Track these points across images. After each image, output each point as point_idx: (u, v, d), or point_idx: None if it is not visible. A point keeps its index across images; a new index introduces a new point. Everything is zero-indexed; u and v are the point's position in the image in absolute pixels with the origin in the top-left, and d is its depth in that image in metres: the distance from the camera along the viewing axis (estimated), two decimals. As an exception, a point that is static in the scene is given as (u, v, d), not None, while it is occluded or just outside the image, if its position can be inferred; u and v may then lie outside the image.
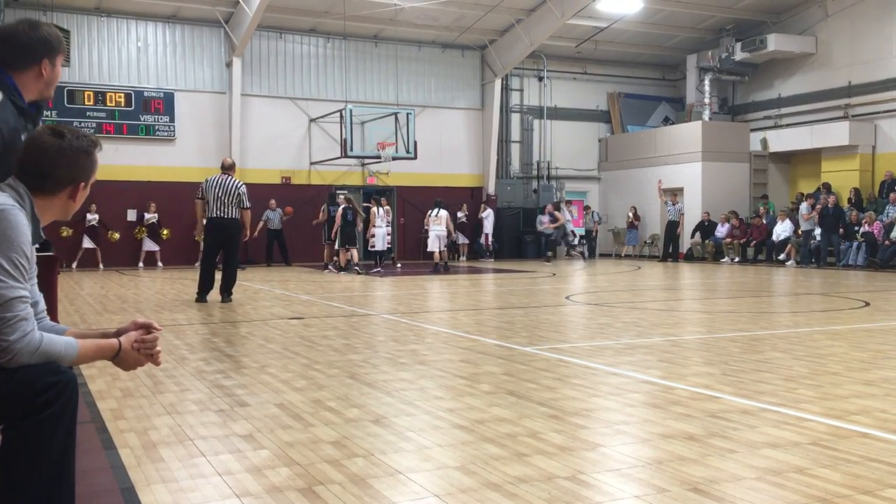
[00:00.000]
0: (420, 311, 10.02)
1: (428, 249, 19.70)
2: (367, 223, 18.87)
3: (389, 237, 19.87)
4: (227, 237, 11.03)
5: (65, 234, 19.55)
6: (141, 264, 20.93)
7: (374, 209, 18.75)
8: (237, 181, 11.16)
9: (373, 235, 18.87)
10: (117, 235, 20.63)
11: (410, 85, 24.48)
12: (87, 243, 20.20)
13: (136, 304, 11.27)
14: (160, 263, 21.07)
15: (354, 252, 18.46)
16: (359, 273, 17.81)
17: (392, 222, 20.78)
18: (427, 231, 19.72)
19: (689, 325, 8.85)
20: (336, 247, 18.45)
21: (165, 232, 21.06)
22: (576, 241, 25.48)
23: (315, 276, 17.50)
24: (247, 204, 11.09)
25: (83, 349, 2.43)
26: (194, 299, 11.17)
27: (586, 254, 25.46)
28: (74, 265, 20.00)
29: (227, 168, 11.19)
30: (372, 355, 6.48)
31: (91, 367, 5.62)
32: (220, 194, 10.89)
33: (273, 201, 21.95)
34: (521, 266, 20.80)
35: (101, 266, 20.25)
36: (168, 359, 6.21)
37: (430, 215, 19.49)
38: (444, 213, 19.22)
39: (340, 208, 18.21)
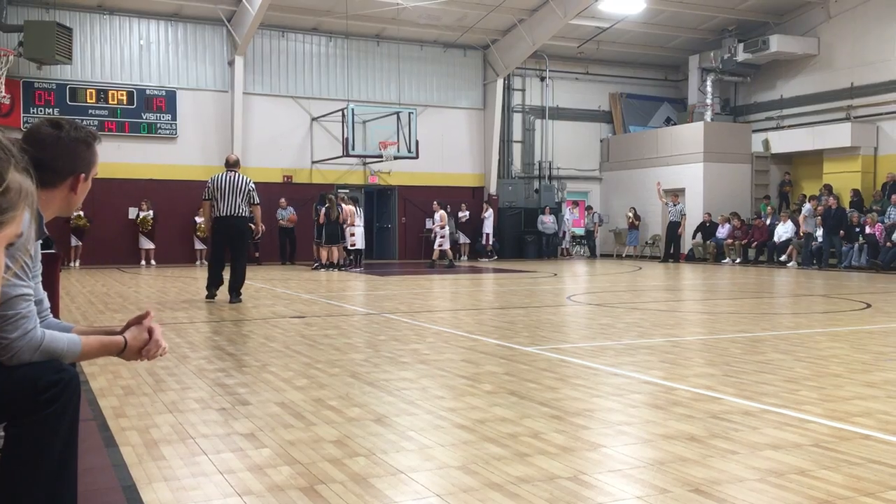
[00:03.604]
0: (421, 311, 10.02)
1: (446, 248, 20.22)
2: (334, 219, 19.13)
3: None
4: (235, 236, 10.88)
5: (82, 222, 19.88)
6: (143, 262, 20.96)
7: (352, 207, 19.04)
8: (246, 178, 11.04)
9: (353, 234, 19.12)
10: (85, 222, 20.31)
11: (412, 84, 24.48)
12: (74, 241, 20.20)
13: (137, 302, 11.27)
14: (153, 262, 21.06)
15: (335, 250, 18.76)
16: (339, 270, 18.31)
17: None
18: (439, 231, 20.23)
19: (690, 325, 8.85)
20: (324, 244, 19.04)
21: (148, 222, 20.93)
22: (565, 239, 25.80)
23: (308, 273, 17.52)
24: (257, 200, 10.98)
25: (87, 346, 2.43)
26: (205, 297, 11.11)
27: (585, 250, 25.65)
28: (77, 263, 20.04)
29: (233, 164, 10.98)
30: (373, 354, 6.47)
31: (92, 364, 5.63)
32: (229, 192, 10.68)
33: (283, 200, 21.98)
34: (523, 266, 20.81)
35: (76, 263, 20.11)
36: (170, 357, 6.21)
37: (442, 216, 20.05)
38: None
39: (324, 208, 18.65)
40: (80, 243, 20.33)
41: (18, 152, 1.61)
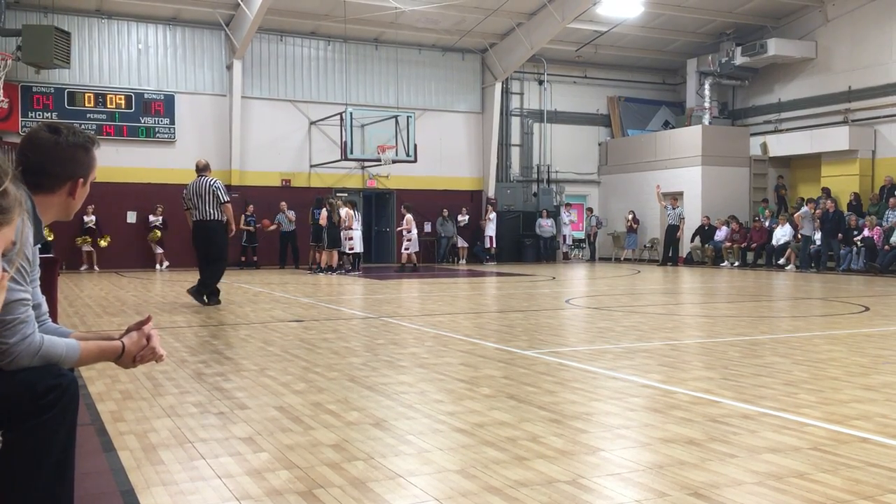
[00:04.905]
0: (420, 315, 10.02)
1: (414, 251, 20.51)
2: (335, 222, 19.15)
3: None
4: (208, 237, 10.98)
5: (103, 243, 20.24)
6: (157, 265, 20.96)
7: (350, 211, 19.07)
8: (211, 179, 11.15)
9: (350, 238, 19.14)
10: (104, 242, 20.52)
11: (411, 88, 24.49)
12: (86, 246, 20.25)
13: (135, 306, 11.26)
14: (159, 266, 21.04)
15: (335, 254, 18.82)
16: (341, 274, 18.42)
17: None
18: (409, 233, 20.45)
19: (689, 329, 8.85)
20: (325, 248, 19.11)
21: (155, 234, 20.93)
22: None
23: (307, 277, 17.52)
24: (224, 199, 11.02)
25: (85, 351, 2.43)
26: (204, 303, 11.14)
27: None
28: (96, 267, 20.27)
29: (202, 169, 11.15)
30: (371, 358, 6.47)
31: (91, 369, 5.62)
32: (198, 197, 10.88)
33: (284, 203, 21.94)
34: (521, 269, 20.81)
35: (96, 268, 20.26)
36: (168, 361, 6.19)
37: (408, 220, 20.37)
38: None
39: (324, 211, 18.70)
40: (92, 248, 20.44)
41: (12, 166, 1.68)
